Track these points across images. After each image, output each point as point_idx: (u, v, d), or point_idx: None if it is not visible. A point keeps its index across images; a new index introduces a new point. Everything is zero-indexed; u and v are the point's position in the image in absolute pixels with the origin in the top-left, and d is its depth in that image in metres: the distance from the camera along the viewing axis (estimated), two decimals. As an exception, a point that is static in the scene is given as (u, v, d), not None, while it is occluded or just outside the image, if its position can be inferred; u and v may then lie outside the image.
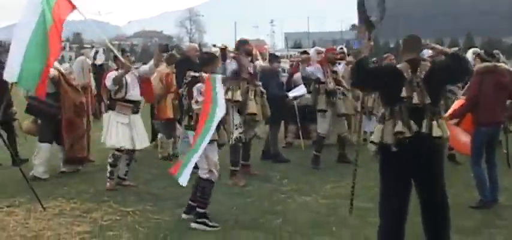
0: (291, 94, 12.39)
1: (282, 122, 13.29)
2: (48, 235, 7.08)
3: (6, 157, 10.92)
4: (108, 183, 9.45)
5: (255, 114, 10.03)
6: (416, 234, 6.15)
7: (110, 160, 9.46)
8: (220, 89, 7.28)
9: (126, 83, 9.29)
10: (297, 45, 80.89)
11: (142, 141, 9.68)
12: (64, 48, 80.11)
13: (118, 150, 9.40)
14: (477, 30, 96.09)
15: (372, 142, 5.97)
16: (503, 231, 7.18)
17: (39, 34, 8.14)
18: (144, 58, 20.00)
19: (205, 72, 7.61)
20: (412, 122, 5.63)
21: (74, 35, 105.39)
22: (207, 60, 7.93)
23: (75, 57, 25.55)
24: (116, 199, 8.74)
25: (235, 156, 10.05)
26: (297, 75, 12.81)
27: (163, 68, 11.68)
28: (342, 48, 13.88)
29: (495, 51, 9.32)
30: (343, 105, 11.25)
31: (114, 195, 8.97)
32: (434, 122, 5.67)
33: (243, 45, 10.29)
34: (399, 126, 5.63)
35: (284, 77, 13.63)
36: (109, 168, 9.46)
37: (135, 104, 9.52)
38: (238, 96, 9.77)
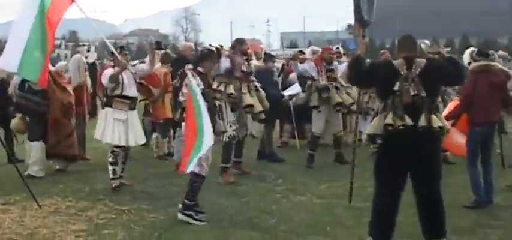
0: (286, 93, 12.41)
1: (277, 121, 13.31)
2: (43, 233, 7.08)
3: (1, 154, 10.91)
4: (113, 183, 9.30)
5: (252, 105, 10.05)
6: (406, 233, 6.20)
7: (110, 159, 9.36)
8: (202, 101, 7.16)
9: (123, 79, 9.28)
10: (292, 45, 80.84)
11: (138, 137, 9.67)
12: (59, 46, 79.87)
13: (116, 147, 9.36)
14: (473, 30, 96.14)
15: (366, 134, 6.08)
16: (497, 232, 7.20)
17: (37, 27, 8.13)
18: (139, 56, 19.98)
19: (202, 68, 7.81)
20: (406, 115, 5.70)
21: (69, 33, 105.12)
22: (205, 56, 8.07)
23: (71, 55, 25.47)
24: (111, 198, 8.74)
25: (228, 154, 10.04)
26: (293, 75, 12.82)
27: (160, 67, 11.68)
28: (338, 48, 13.94)
29: (490, 51, 9.35)
30: (338, 95, 11.25)
31: (109, 194, 8.97)
32: (433, 116, 5.76)
33: (239, 45, 10.31)
34: (389, 119, 5.71)
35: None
36: (110, 168, 9.35)
37: (132, 100, 9.52)
38: (231, 89, 9.79)
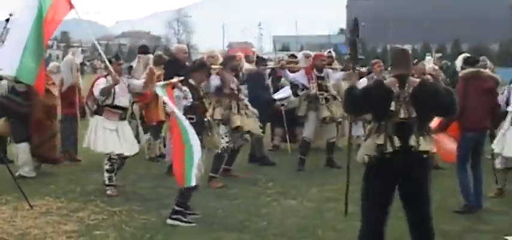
0: (277, 96, 12.43)
1: (268, 124, 13.32)
2: (34, 233, 7.09)
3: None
4: (109, 191, 9.05)
5: (240, 127, 10.00)
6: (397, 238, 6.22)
7: (107, 166, 9.13)
8: (188, 125, 7.15)
9: (114, 89, 9.05)
10: (285, 48, 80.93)
11: (131, 147, 9.43)
12: (51, 46, 79.70)
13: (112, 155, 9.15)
14: (464, 36, 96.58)
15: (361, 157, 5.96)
16: (487, 236, 7.26)
17: (36, 30, 8.15)
18: (131, 58, 20.05)
19: (194, 79, 8.08)
20: (395, 137, 5.62)
21: (61, 34, 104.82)
22: (198, 68, 8.31)
23: (63, 56, 25.46)
24: (103, 199, 8.75)
25: (219, 165, 9.84)
26: (284, 79, 12.82)
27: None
28: (330, 52, 13.92)
29: (481, 58, 9.41)
30: (327, 110, 11.24)
31: (100, 195, 8.97)
32: (422, 138, 5.67)
33: (230, 61, 10.32)
34: (380, 140, 5.64)
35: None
36: (107, 175, 9.12)
37: (123, 110, 9.29)
38: (217, 114, 9.73)
